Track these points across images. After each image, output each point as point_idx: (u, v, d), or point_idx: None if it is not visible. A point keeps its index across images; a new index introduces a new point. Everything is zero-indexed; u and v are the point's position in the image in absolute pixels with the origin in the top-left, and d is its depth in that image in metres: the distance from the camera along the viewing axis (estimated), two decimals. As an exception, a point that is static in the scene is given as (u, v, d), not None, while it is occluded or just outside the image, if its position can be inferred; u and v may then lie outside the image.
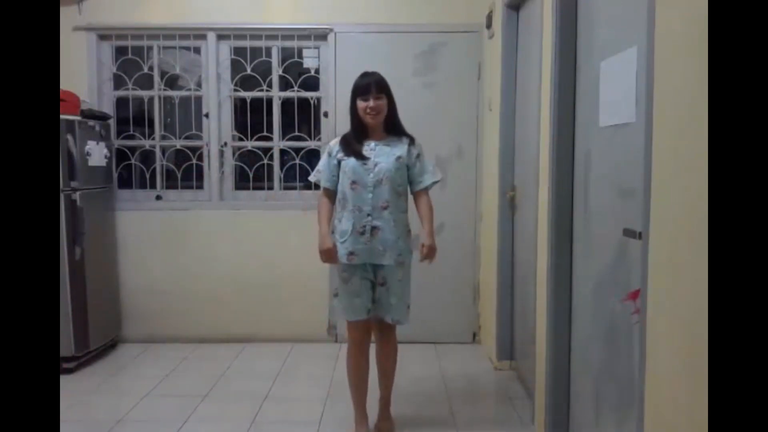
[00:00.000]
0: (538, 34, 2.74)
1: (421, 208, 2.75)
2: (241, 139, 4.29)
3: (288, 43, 4.22)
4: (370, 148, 2.70)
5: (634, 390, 1.76)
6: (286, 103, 4.27)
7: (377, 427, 2.85)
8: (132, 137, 4.29)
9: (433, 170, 2.78)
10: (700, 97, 1.34)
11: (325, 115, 4.21)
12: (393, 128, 2.75)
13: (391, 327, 2.81)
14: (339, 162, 2.71)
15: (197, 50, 4.26)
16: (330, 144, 2.82)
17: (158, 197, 4.30)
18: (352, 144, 2.71)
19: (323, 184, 2.76)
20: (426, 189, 2.75)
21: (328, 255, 2.68)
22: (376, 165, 2.66)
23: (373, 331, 2.82)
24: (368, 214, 2.66)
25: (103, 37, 4.20)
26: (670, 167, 1.53)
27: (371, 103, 2.64)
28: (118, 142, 4.26)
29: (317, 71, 4.23)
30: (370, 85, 2.65)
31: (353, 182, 2.66)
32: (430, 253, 2.70)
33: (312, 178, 2.84)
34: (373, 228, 2.65)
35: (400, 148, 2.71)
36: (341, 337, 4.20)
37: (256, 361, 3.88)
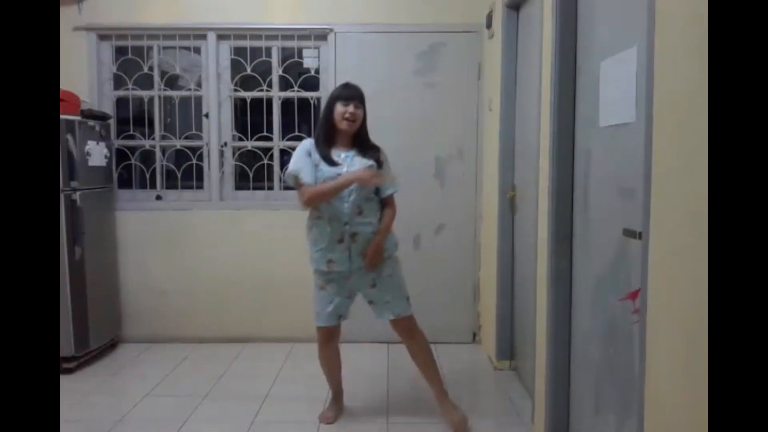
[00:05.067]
0: (538, 34, 2.74)
1: (385, 210, 2.83)
2: (241, 139, 4.29)
3: (288, 43, 4.22)
4: (341, 158, 2.75)
5: (634, 390, 1.76)
6: (286, 103, 4.27)
7: (449, 421, 2.84)
8: (132, 137, 4.29)
9: (393, 177, 2.87)
10: (700, 97, 1.34)
11: (325, 115, 4.21)
12: (361, 141, 2.82)
13: (407, 322, 2.85)
14: (315, 165, 2.73)
15: (197, 50, 4.26)
16: (305, 144, 2.80)
17: (158, 197, 4.30)
18: (324, 150, 2.75)
19: (305, 179, 2.69)
20: (390, 196, 2.85)
21: (364, 176, 2.65)
22: None
23: (396, 332, 2.89)
24: (345, 223, 2.73)
25: (103, 37, 4.20)
26: (670, 167, 1.53)
27: (351, 108, 2.72)
28: (118, 142, 4.26)
29: (317, 71, 4.23)
30: (353, 95, 2.76)
31: None
32: (373, 250, 2.72)
33: (292, 171, 2.71)
34: (353, 234, 2.74)
35: (370, 157, 2.78)
36: (341, 337, 4.20)
37: (256, 361, 3.88)
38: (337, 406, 3.03)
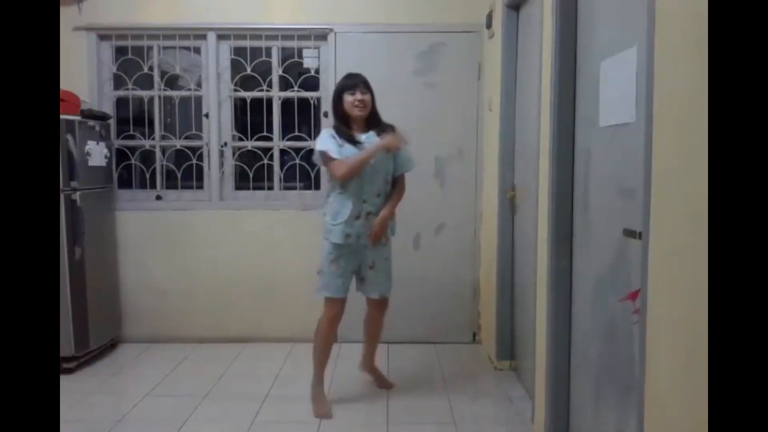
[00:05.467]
0: (538, 34, 2.74)
1: (395, 189, 3.05)
2: (241, 139, 4.29)
3: (288, 43, 4.22)
4: (362, 140, 2.92)
5: (634, 389, 1.76)
6: (286, 103, 4.27)
7: (381, 383, 3.35)
8: (132, 137, 4.29)
9: (409, 157, 3.07)
10: (700, 97, 1.34)
11: (325, 115, 4.20)
12: (376, 123, 3.01)
13: (385, 301, 3.19)
14: (340, 147, 2.91)
15: (197, 50, 4.26)
16: (327, 130, 3.01)
17: (158, 197, 4.30)
18: (345, 134, 2.91)
19: (335, 155, 2.87)
20: (402, 175, 3.07)
21: (389, 142, 2.85)
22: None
23: (368, 305, 3.20)
24: (364, 201, 2.94)
25: (103, 37, 4.20)
26: (670, 167, 1.53)
27: (359, 95, 2.91)
28: (118, 142, 4.26)
29: (317, 71, 4.23)
30: (357, 83, 2.94)
31: None
32: (381, 222, 2.93)
33: (322, 148, 2.89)
34: (368, 213, 2.95)
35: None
36: (341, 337, 4.20)
37: (256, 361, 3.88)
38: (324, 396, 3.10)
